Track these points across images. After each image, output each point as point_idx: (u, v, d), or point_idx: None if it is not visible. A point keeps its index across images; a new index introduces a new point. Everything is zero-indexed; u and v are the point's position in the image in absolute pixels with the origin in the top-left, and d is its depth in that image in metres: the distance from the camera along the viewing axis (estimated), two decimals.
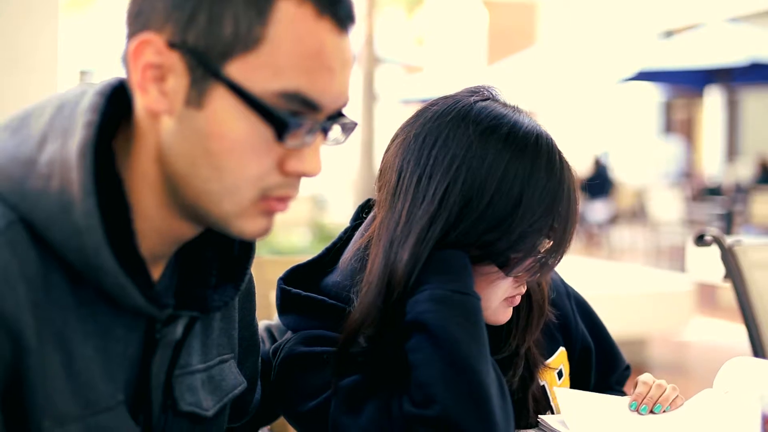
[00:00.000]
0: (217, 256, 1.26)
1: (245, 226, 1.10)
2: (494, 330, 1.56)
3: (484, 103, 1.48)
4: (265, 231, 1.13)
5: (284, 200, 1.11)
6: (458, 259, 1.41)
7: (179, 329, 1.20)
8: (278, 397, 1.50)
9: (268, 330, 1.74)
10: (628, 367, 1.84)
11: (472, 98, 1.49)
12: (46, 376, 1.04)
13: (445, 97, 1.52)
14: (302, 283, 1.56)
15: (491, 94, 1.52)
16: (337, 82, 1.09)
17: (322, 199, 14.41)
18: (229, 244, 1.26)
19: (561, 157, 1.47)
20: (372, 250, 1.46)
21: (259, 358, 1.52)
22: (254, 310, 1.48)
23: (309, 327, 1.50)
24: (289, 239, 8.09)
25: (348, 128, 1.15)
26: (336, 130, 1.14)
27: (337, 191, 15.98)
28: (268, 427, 2.24)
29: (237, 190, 1.07)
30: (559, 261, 1.50)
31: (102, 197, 1.05)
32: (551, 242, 1.47)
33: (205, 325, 1.30)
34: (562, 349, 1.71)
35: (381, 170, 1.52)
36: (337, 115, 1.12)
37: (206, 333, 1.30)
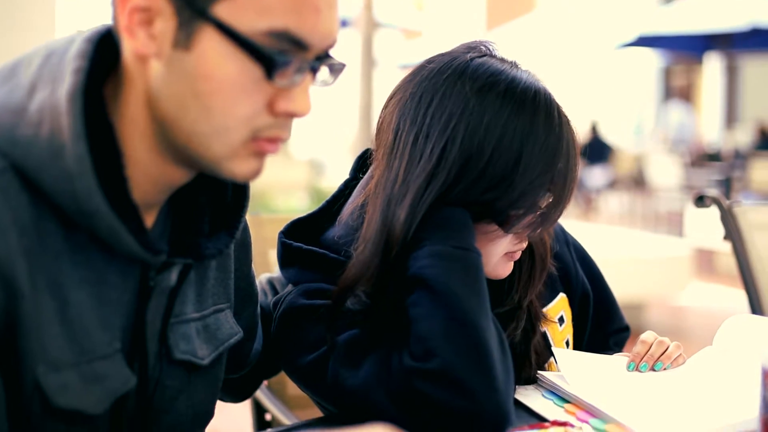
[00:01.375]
0: (210, 204, 1.25)
1: (236, 167, 1.10)
2: (496, 284, 1.56)
3: (480, 60, 1.46)
4: (257, 172, 1.12)
5: (275, 141, 1.11)
6: (459, 216, 1.41)
7: (173, 276, 1.20)
8: (278, 350, 1.50)
9: (270, 282, 1.74)
10: (627, 328, 1.84)
11: (469, 55, 1.47)
12: (40, 322, 1.04)
13: (442, 54, 1.50)
14: (303, 236, 1.56)
15: (488, 49, 1.51)
16: (324, 21, 1.08)
17: (320, 163, 14.39)
18: (222, 191, 1.26)
19: (560, 112, 1.46)
20: (369, 208, 1.45)
21: (258, 309, 1.53)
22: (251, 261, 1.48)
23: (310, 280, 1.50)
24: (287, 203, 8.10)
25: (336, 69, 1.14)
26: (324, 72, 1.13)
27: (335, 155, 15.95)
28: (266, 383, 2.25)
29: (227, 131, 1.06)
30: (559, 216, 1.50)
31: (93, 143, 1.05)
32: (551, 197, 1.46)
33: (201, 275, 1.30)
34: (562, 295, 1.71)
35: (378, 129, 1.51)
36: (325, 56, 1.12)
37: (201, 282, 1.30)
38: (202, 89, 1.04)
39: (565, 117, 1.47)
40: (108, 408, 1.14)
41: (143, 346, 1.19)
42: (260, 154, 1.11)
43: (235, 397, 1.66)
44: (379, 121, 1.52)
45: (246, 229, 1.45)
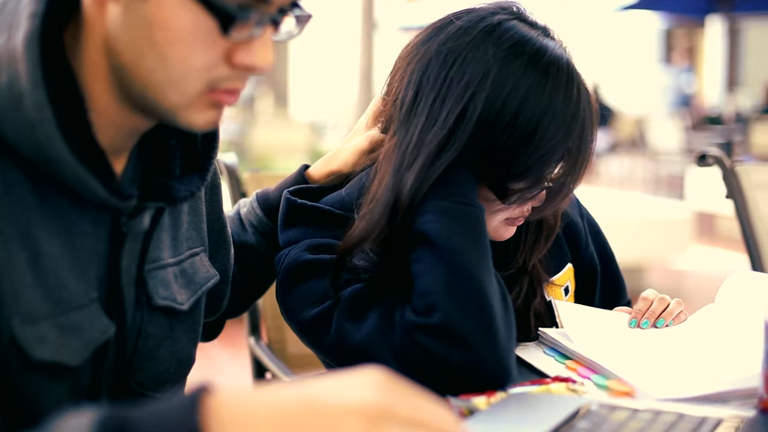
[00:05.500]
0: (181, 147, 1.23)
1: (193, 118, 1.07)
2: (502, 247, 1.55)
3: (509, 23, 1.43)
4: (214, 123, 1.10)
5: (233, 93, 1.08)
6: (462, 173, 1.39)
7: (146, 221, 1.19)
8: (281, 305, 1.50)
9: (238, 214, 1.72)
10: (628, 303, 1.83)
11: (497, 17, 1.43)
12: (12, 275, 1.02)
13: (470, 11, 1.46)
14: (307, 198, 1.55)
15: (519, 11, 1.47)
16: None
17: (320, 126, 14.38)
18: (191, 134, 1.24)
19: (580, 88, 1.43)
20: (382, 166, 1.43)
21: (231, 252, 1.52)
22: (221, 204, 1.48)
23: (314, 238, 1.49)
24: (287, 165, 8.09)
25: (302, 20, 1.11)
26: (289, 23, 1.10)
27: (336, 118, 15.93)
28: (265, 341, 2.26)
29: (183, 81, 1.04)
30: (568, 193, 1.49)
31: (53, 89, 1.02)
32: (561, 173, 1.44)
33: (174, 219, 1.29)
34: (569, 266, 1.71)
35: (394, 80, 1.48)
36: (290, 7, 1.08)
37: (176, 227, 1.29)
38: (158, 38, 1.01)
39: (585, 93, 1.44)
40: (88, 358, 1.13)
41: (120, 294, 1.17)
42: (218, 105, 1.09)
43: (204, 338, 1.64)
44: (394, 69, 1.50)
45: (216, 173, 1.44)
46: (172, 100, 1.05)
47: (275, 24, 1.07)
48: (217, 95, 1.07)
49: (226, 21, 1.01)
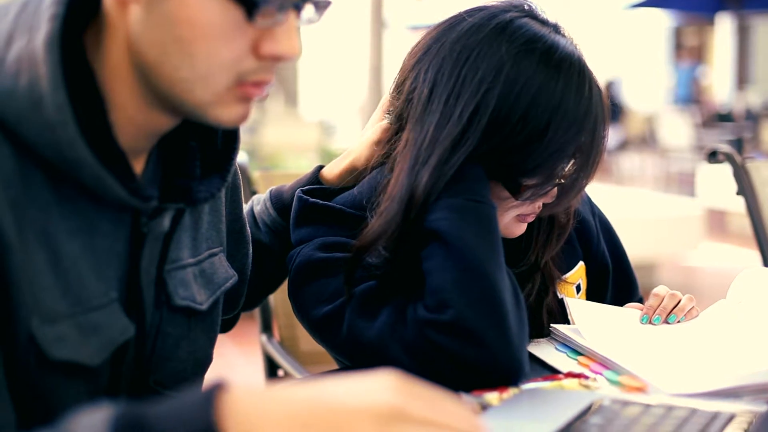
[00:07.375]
0: (201, 148, 1.23)
1: (221, 113, 1.07)
2: (514, 244, 1.55)
3: (522, 21, 1.43)
4: (243, 118, 1.09)
5: (260, 85, 1.07)
6: (473, 170, 1.40)
7: (166, 222, 1.18)
8: (294, 303, 1.50)
9: (251, 211, 1.73)
10: (640, 300, 1.83)
11: (509, 14, 1.44)
12: (31, 274, 1.02)
13: (482, 9, 1.47)
14: (320, 198, 1.55)
15: (531, 9, 1.48)
16: None
17: (330, 124, 14.36)
18: (212, 135, 1.24)
19: (591, 85, 1.43)
20: (398, 164, 1.43)
21: (249, 252, 1.53)
22: (242, 204, 1.48)
23: (325, 236, 1.50)
24: (297, 165, 8.09)
25: (321, 6, 1.09)
26: (309, 10, 1.09)
27: (345, 117, 15.93)
28: (277, 338, 2.26)
29: (210, 77, 1.03)
30: (580, 189, 1.49)
31: (74, 91, 1.02)
32: (573, 170, 1.45)
33: (195, 219, 1.29)
34: (581, 264, 1.71)
35: (408, 79, 1.48)
36: None
37: (196, 227, 1.29)
38: (182, 35, 1.01)
39: (597, 89, 1.44)
40: (107, 359, 1.13)
41: (139, 295, 1.17)
42: (246, 99, 1.08)
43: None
44: (404, 67, 1.50)
45: (236, 173, 1.44)
46: (200, 97, 1.05)
47: (297, 9, 1.07)
48: (245, 89, 1.06)
49: (250, 7, 1.00)
